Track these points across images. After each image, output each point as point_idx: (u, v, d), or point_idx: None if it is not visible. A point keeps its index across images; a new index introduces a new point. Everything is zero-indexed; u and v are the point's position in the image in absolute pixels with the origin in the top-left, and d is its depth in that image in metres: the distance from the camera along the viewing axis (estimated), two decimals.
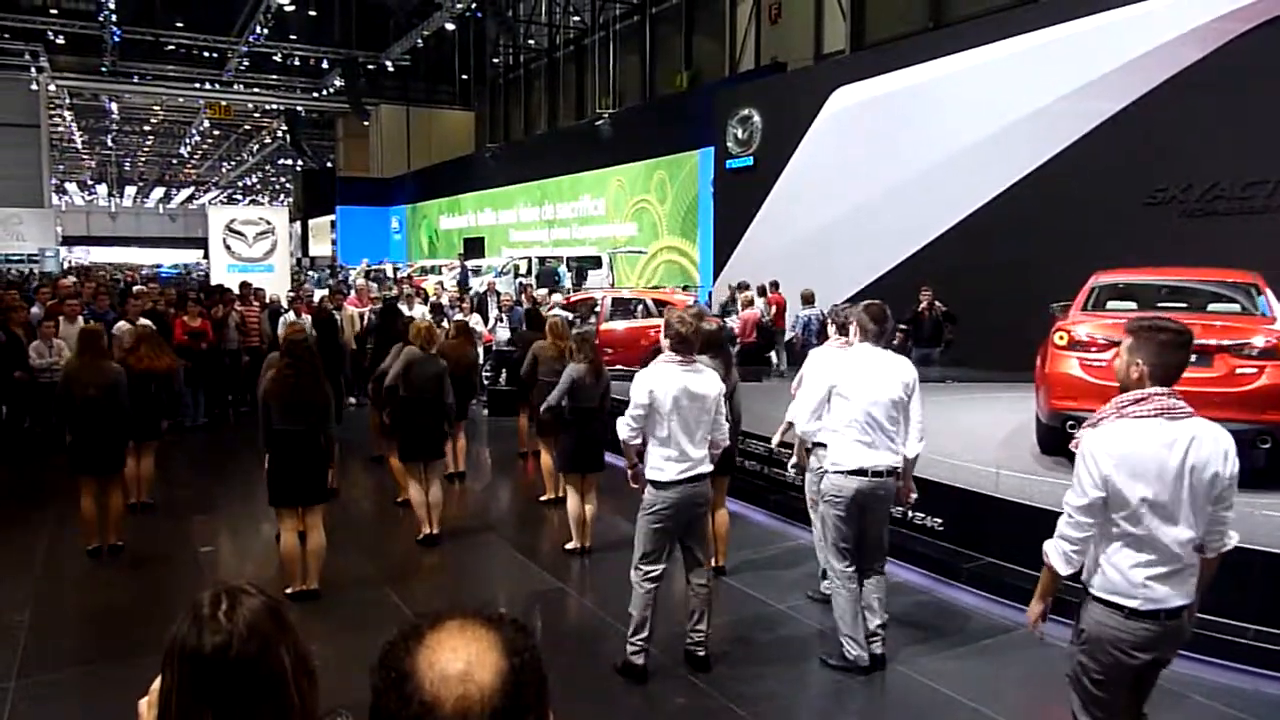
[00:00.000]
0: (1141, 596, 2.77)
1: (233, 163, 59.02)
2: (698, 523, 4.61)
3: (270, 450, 5.45)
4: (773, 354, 13.78)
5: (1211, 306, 6.79)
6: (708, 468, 4.56)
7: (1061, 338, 6.52)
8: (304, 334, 6.48)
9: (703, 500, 4.57)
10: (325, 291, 14.45)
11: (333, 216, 41.18)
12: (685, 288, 19.38)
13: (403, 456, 6.78)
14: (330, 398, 5.68)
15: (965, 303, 12.12)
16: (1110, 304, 6.97)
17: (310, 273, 30.69)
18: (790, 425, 5.51)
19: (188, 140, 50.24)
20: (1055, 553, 2.88)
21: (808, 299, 12.88)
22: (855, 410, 4.46)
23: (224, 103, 39.23)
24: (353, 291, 15.25)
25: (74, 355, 6.43)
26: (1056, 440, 6.49)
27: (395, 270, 26.51)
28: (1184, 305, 6.82)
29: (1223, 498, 2.78)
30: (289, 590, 5.46)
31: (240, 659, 1.32)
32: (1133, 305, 6.87)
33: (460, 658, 0.96)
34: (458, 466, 8.61)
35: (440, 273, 24.52)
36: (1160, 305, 6.79)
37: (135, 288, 14.16)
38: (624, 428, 4.52)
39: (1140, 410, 2.75)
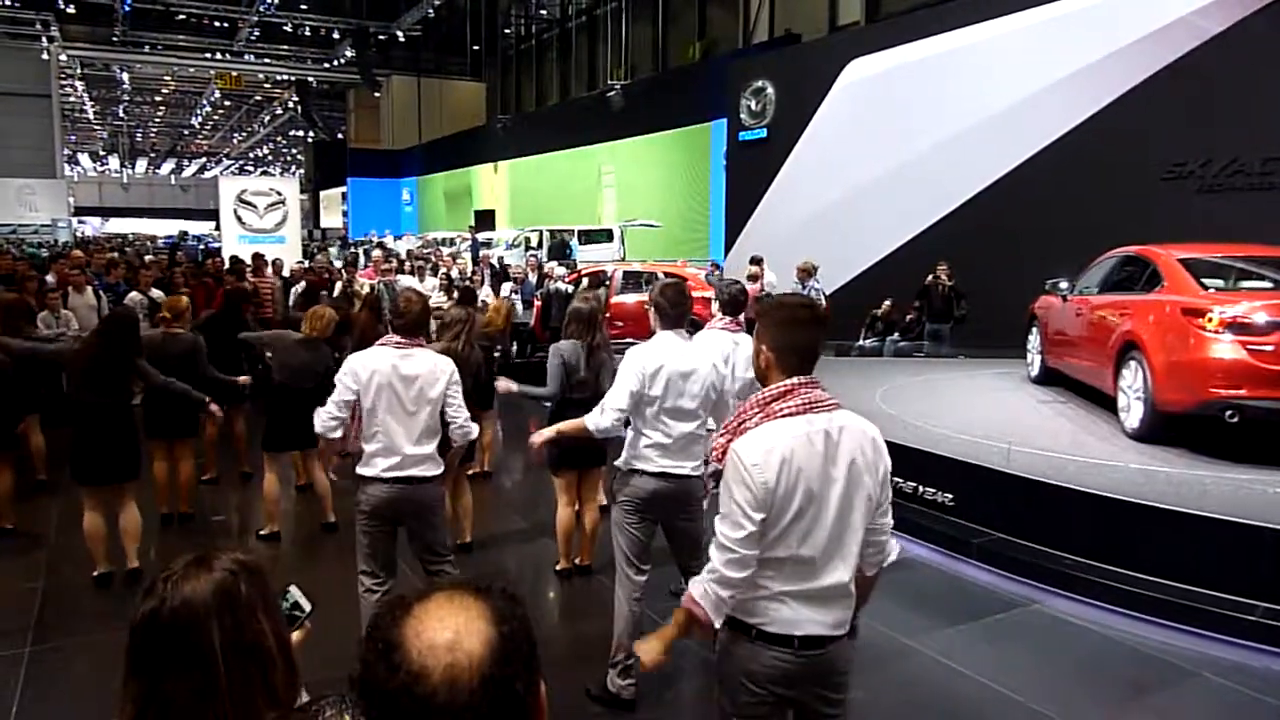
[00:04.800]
0: (772, 616, 2.28)
1: (244, 134, 58.92)
2: (419, 525, 4.09)
3: (74, 423, 5.09)
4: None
5: None
6: (431, 470, 4.01)
7: (1211, 319, 6.07)
8: (130, 308, 6.24)
9: (416, 506, 4.01)
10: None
11: (344, 188, 41.19)
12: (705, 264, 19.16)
13: (268, 445, 6.21)
14: (132, 373, 5.29)
15: (979, 277, 12.01)
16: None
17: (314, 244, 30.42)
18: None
19: (199, 111, 50.16)
20: (708, 602, 2.25)
21: (809, 272, 12.43)
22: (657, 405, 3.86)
23: (235, 73, 39.02)
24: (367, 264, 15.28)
25: None
26: (1166, 430, 6.31)
27: (387, 242, 26.45)
28: (1272, 285, 6.51)
29: (883, 500, 2.37)
30: (96, 573, 5.21)
31: (163, 627, 1.31)
32: (1220, 283, 6.60)
33: (448, 627, 0.96)
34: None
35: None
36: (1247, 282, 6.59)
37: (146, 258, 14.22)
38: (322, 415, 3.95)
39: (786, 407, 2.27)
